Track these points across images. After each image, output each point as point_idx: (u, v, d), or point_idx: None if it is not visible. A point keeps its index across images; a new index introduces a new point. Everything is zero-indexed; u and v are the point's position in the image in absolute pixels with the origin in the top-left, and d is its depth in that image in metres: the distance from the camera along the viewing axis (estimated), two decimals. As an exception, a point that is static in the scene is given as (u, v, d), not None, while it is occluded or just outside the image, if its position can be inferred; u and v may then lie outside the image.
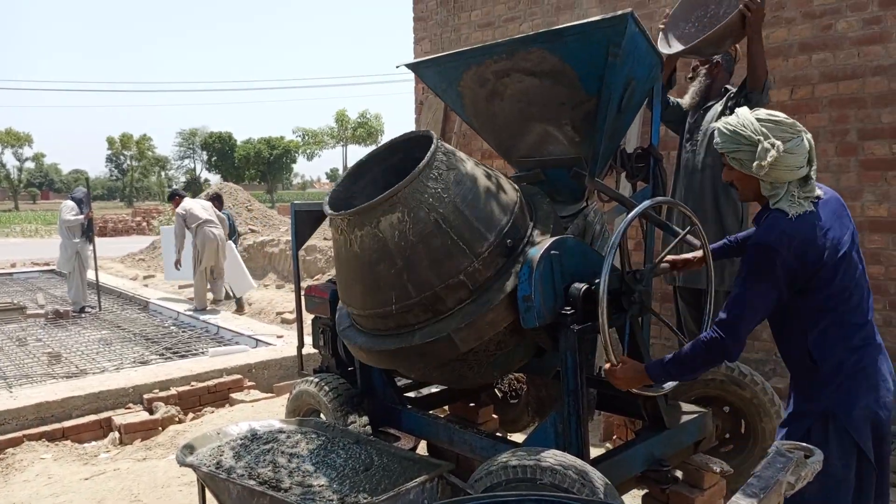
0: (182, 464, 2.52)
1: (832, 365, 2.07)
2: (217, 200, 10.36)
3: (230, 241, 9.29)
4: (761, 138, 2.02)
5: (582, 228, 3.27)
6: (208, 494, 2.59)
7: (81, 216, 8.89)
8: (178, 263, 8.87)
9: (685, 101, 4.00)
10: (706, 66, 3.87)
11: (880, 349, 2.14)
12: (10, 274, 13.99)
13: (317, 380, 3.35)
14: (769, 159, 2.00)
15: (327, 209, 2.69)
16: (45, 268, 14.63)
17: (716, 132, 2.13)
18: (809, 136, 2.08)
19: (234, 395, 5.39)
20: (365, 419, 3.11)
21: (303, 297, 3.81)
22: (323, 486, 2.30)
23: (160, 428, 4.80)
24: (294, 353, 5.96)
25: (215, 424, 4.58)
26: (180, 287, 11.02)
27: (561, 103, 3.21)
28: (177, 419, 4.96)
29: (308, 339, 4.02)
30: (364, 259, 2.54)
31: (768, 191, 2.08)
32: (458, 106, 3.76)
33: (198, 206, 8.86)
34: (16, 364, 6.40)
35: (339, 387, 3.28)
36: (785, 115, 2.08)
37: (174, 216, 9.32)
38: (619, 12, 3.03)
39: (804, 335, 2.09)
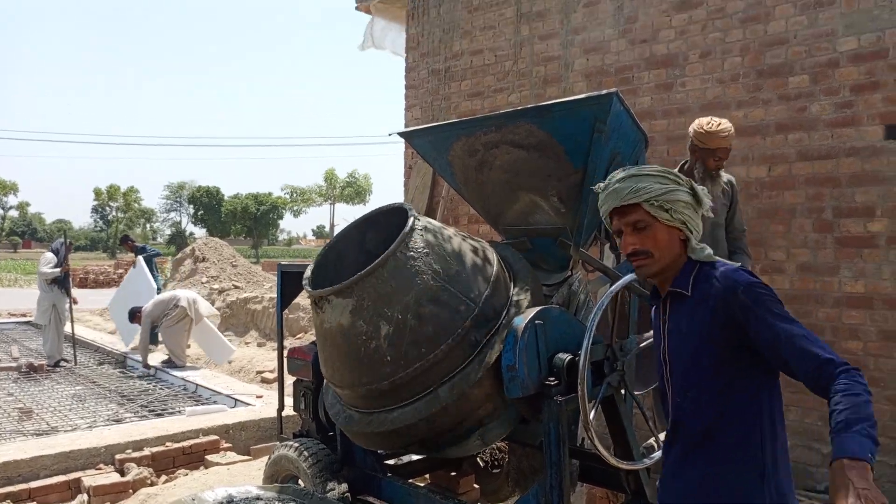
0: (154, 531, 2.45)
1: (781, 458, 1.74)
2: (126, 241, 10.59)
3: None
4: (689, 180, 1.80)
5: (566, 297, 3.31)
6: (179, 564, 2.51)
7: (58, 269, 8.82)
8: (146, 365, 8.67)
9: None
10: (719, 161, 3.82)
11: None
12: (-14, 324, 13.72)
13: (296, 445, 3.30)
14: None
15: (307, 287, 2.72)
16: (22, 319, 14.37)
17: (633, 182, 1.76)
18: None
19: (209, 457, 5.25)
20: (344, 487, 3.06)
21: (285, 359, 3.79)
22: (299, 558, 2.24)
23: (131, 490, 4.64)
24: (273, 414, 5.87)
25: (189, 488, 4.45)
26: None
27: (548, 175, 3.30)
28: (149, 481, 4.80)
29: (288, 401, 3.97)
30: (341, 337, 2.55)
31: (695, 242, 1.80)
32: (447, 174, 3.85)
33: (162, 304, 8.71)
34: (-15, 419, 6.22)
35: (318, 452, 3.23)
36: None
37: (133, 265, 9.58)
38: (605, 91, 3.15)
39: (758, 405, 1.72)
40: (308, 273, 2.81)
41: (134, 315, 8.94)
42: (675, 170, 3.90)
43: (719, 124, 3.72)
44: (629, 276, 2.84)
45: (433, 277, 2.53)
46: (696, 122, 3.81)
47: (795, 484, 3.96)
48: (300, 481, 3.25)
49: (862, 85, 4.14)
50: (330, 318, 2.55)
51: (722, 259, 1.82)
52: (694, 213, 1.77)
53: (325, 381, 3.02)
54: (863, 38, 4.14)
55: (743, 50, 4.62)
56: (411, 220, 2.61)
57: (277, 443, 3.57)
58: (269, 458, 3.49)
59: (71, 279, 9.25)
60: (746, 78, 4.61)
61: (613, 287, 2.74)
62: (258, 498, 2.76)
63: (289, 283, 3.93)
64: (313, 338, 4.04)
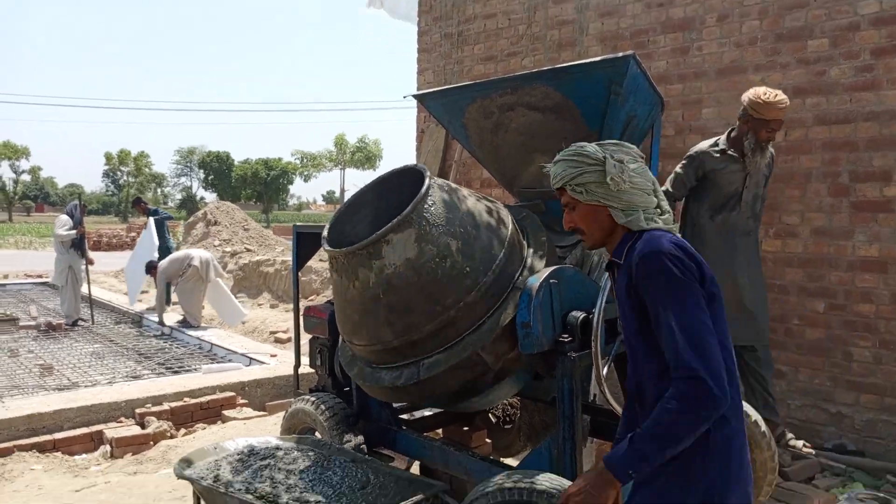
0: (180, 476, 2.55)
1: (723, 435, 1.66)
2: (139, 203, 10.90)
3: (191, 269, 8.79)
4: (607, 155, 1.80)
5: (580, 258, 3.35)
6: (204, 508, 2.62)
7: (73, 231, 8.92)
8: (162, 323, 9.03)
9: (746, 164, 3.83)
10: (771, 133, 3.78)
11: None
12: (3, 285, 13.93)
13: (313, 399, 3.39)
14: (623, 173, 1.78)
15: (326, 246, 2.74)
16: (38, 280, 14.58)
17: (555, 168, 1.87)
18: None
19: (226, 413, 5.40)
20: (360, 439, 3.15)
21: (301, 317, 3.86)
22: (320, 502, 2.33)
23: (152, 443, 4.80)
24: (287, 372, 6.00)
25: (207, 441, 4.58)
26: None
27: (563, 137, 3.28)
28: (169, 434, 4.96)
29: (304, 359, 4.06)
30: (411, 272, 2.54)
31: (622, 218, 1.79)
32: (462, 137, 3.87)
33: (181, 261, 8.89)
34: (7, 375, 6.38)
35: (335, 406, 3.31)
36: (629, 144, 1.92)
37: (145, 226, 9.95)
38: (622, 54, 3.14)
39: None
40: (325, 234, 2.85)
41: (150, 268, 9.18)
42: (723, 137, 3.90)
43: (776, 95, 3.68)
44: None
45: (449, 237, 2.58)
46: (752, 91, 3.75)
47: (805, 441, 4.04)
48: (317, 434, 3.35)
49: (883, 48, 4.09)
50: (392, 259, 2.51)
51: (661, 228, 1.80)
52: (611, 189, 1.78)
53: (341, 338, 3.08)
54: (884, 1, 4.07)
55: (761, 13, 4.55)
56: (428, 179, 2.64)
57: (293, 398, 3.66)
58: (287, 412, 3.58)
59: (86, 241, 9.36)
60: (764, 41, 4.55)
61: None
62: (278, 448, 2.86)
63: (304, 244, 3.98)
64: (324, 299, 4.11)
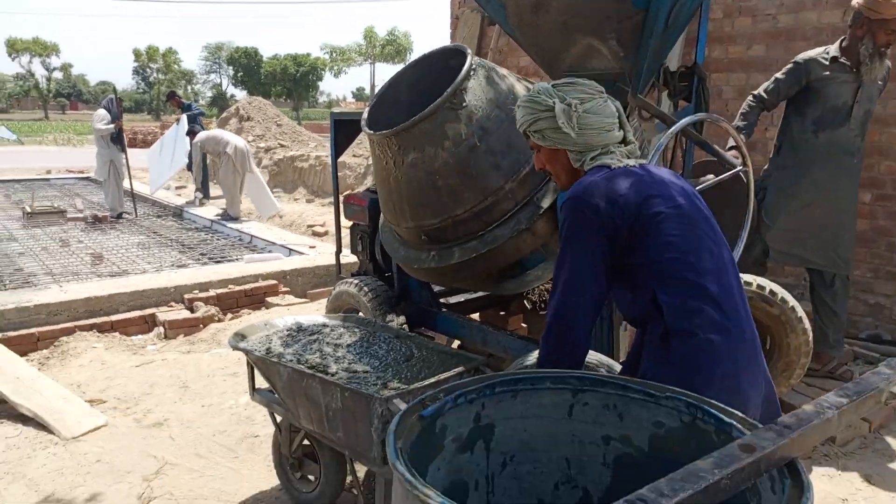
0: (235, 348, 2.70)
1: (685, 347, 1.63)
2: (173, 97, 11.17)
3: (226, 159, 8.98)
4: (556, 100, 1.78)
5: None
6: (257, 378, 2.79)
7: (112, 125, 9.01)
8: (202, 199, 10.01)
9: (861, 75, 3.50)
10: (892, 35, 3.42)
11: (745, 345, 1.68)
12: (47, 179, 14.33)
13: (356, 281, 3.51)
14: (572, 116, 1.76)
15: (366, 129, 2.71)
16: (80, 175, 14.92)
17: (516, 113, 1.89)
18: (617, 102, 1.85)
19: (269, 299, 5.62)
20: (402, 319, 3.27)
21: (342, 205, 3.92)
22: (368, 372, 2.47)
23: (201, 326, 5.05)
24: (327, 262, 6.17)
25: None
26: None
27: (607, 16, 3.17)
28: (217, 318, 5.20)
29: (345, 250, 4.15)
30: (498, 109, 2.57)
31: (577, 160, 1.81)
32: (500, 17, 3.73)
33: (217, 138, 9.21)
34: (61, 263, 6.69)
35: (377, 288, 3.43)
36: (587, 80, 1.86)
37: (177, 122, 10.26)
38: (674, -79, 2.95)
39: (656, 307, 1.66)
40: (365, 117, 2.84)
41: (190, 132, 9.75)
42: (833, 46, 3.66)
43: None
44: (686, 120, 2.82)
45: (494, 117, 2.58)
46: None
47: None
48: (360, 314, 3.49)
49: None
50: (475, 102, 2.54)
51: (609, 163, 1.77)
52: (566, 133, 1.78)
53: (382, 222, 3.14)
54: None
55: None
56: (470, 56, 2.60)
57: (335, 284, 3.79)
58: (332, 295, 3.72)
59: (124, 135, 9.48)
60: (829, -90, 4.22)
61: (670, 130, 2.73)
62: (325, 325, 2.99)
63: (342, 131, 3.98)
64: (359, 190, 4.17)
